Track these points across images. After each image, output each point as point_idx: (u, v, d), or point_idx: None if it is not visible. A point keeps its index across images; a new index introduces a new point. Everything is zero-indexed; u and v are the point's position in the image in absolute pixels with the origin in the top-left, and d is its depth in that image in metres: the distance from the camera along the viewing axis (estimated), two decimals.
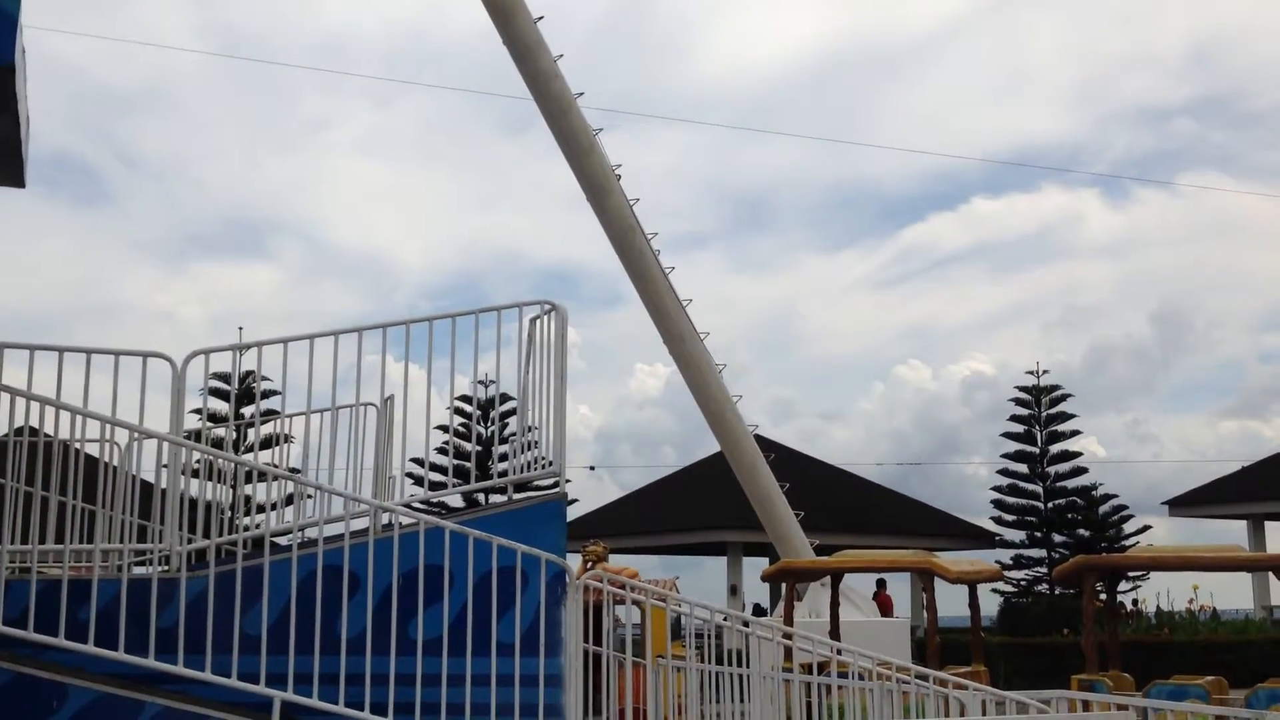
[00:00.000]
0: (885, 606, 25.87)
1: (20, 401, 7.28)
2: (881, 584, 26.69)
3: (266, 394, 20.57)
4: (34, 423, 7.31)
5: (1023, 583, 35.08)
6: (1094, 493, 35.19)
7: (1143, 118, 77.93)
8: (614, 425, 67.03)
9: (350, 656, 7.31)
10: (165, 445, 7.72)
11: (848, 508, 34.80)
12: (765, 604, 32.71)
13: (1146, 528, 35.91)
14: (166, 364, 8.02)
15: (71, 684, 6.97)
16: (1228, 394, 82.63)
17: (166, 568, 7.62)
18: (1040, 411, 36.07)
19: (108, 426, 7.75)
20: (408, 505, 8.47)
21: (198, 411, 10.31)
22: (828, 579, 17.93)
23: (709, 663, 10.14)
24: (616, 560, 26.04)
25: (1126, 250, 75.80)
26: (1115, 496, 35.29)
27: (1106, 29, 74.07)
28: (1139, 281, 75.52)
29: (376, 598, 7.55)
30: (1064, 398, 36.16)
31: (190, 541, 7.96)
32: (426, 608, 7.60)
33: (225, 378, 28.76)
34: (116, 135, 76.25)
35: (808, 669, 10.21)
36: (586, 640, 9.16)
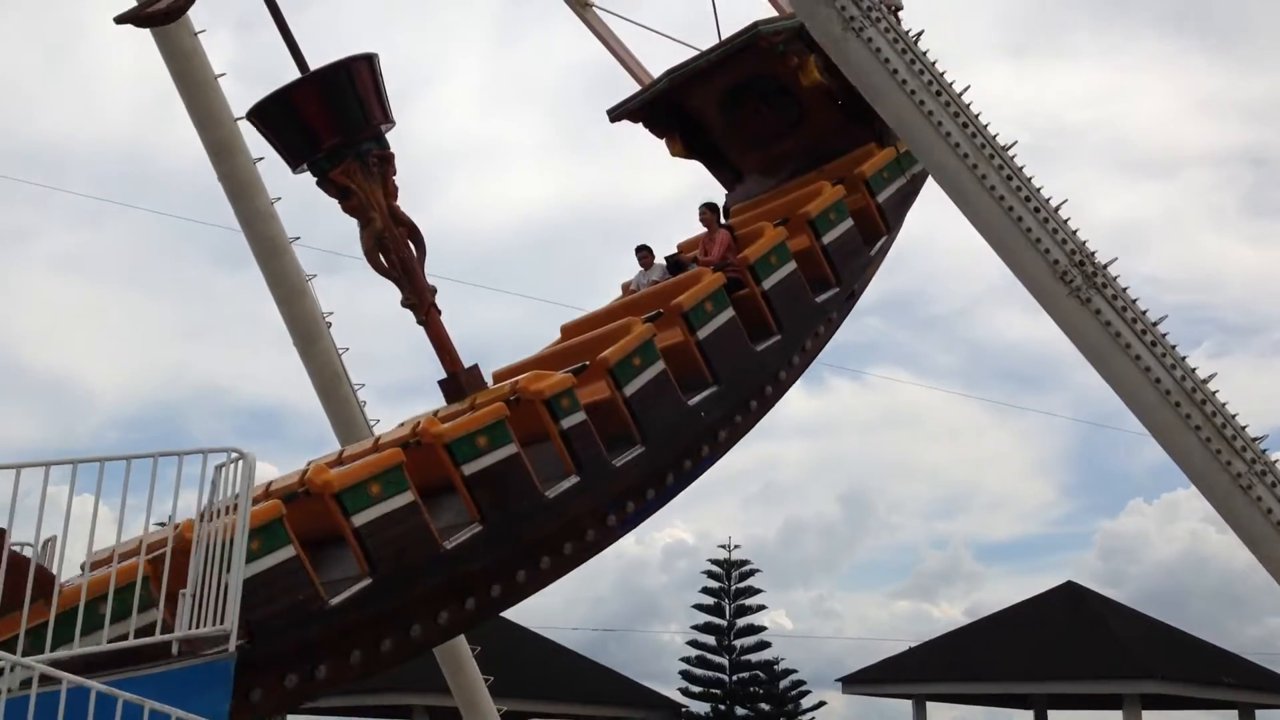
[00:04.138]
0: None
1: None
2: None
3: None
4: None
5: None
6: (776, 667, 36.50)
7: None
8: None
9: None
10: None
11: (540, 674, 34.36)
12: None
13: (822, 704, 37.52)
14: None
15: None
16: (902, 575, 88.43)
17: None
18: (730, 585, 37.34)
19: None
20: (52, 662, 7.70)
21: None
22: None
23: None
24: None
25: (822, 433, 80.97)
26: (795, 671, 36.78)
27: None
28: (831, 463, 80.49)
29: None
30: (752, 573, 37.67)
31: None
32: None
33: None
34: None
35: None
36: None
